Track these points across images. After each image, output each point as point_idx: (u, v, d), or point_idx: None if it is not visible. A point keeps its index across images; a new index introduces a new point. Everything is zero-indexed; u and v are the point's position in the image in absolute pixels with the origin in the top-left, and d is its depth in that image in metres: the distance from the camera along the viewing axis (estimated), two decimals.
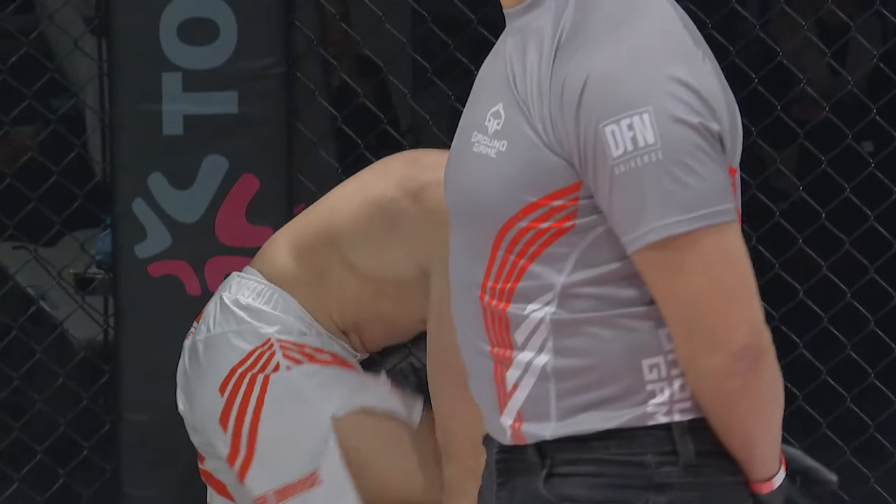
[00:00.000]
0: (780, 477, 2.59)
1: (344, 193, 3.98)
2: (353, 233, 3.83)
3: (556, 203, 2.47)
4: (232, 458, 3.81)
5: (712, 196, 2.46)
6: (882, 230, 4.53)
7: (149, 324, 4.30)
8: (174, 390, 3.99)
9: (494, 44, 2.74)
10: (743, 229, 2.55)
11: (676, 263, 2.47)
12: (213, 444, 3.81)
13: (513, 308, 2.49)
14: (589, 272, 2.49)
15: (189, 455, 4.07)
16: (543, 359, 2.51)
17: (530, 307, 2.50)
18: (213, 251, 4.25)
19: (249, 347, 3.80)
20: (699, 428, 2.51)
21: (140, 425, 4.38)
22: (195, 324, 3.89)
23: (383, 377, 3.93)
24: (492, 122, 2.53)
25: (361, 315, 3.88)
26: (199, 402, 3.85)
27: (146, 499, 4.45)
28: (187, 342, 3.89)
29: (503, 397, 2.51)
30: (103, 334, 4.87)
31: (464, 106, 2.74)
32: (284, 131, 4.43)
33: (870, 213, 4.46)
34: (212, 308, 3.88)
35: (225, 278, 3.93)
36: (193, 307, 4.04)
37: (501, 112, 2.53)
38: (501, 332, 2.50)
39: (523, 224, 2.49)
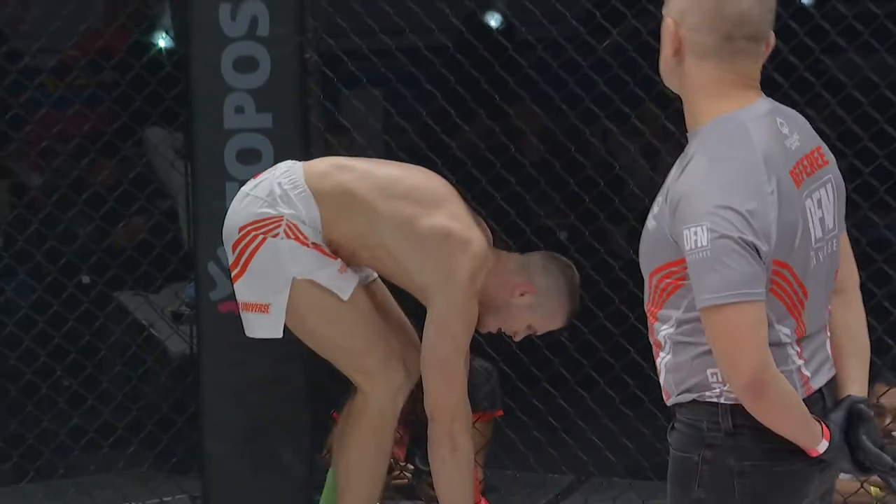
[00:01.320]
0: (823, 446, 2.83)
1: (410, 179, 4.14)
2: (394, 219, 4.06)
3: (674, 269, 2.82)
4: (232, 269, 4.14)
5: (737, 282, 2.75)
6: None
7: (218, 341, 4.88)
8: (236, 378, 4.61)
9: None
10: None
11: (709, 321, 2.77)
12: (227, 251, 4.15)
13: (655, 325, 2.88)
14: (690, 314, 2.82)
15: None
16: (667, 358, 2.89)
17: (662, 327, 2.88)
18: None
19: (268, 213, 4.06)
20: (739, 411, 2.81)
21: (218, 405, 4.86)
22: (253, 179, 4.15)
23: (338, 262, 4.08)
24: (656, 205, 2.87)
25: (356, 253, 4.12)
26: (229, 224, 4.14)
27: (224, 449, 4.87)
28: (243, 189, 4.14)
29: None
30: (189, 349, 5.45)
31: None
32: None
33: None
34: (265, 175, 4.13)
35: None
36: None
37: (660, 200, 2.85)
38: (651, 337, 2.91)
39: (657, 277, 2.85)
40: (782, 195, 2.78)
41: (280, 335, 4.09)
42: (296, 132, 4.80)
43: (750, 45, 2.83)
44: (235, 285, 4.15)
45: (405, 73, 5.03)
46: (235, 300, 4.17)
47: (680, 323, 2.83)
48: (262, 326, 4.12)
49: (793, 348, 2.85)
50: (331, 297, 4.10)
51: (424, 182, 4.12)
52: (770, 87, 2.99)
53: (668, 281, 2.81)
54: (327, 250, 4.08)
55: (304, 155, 4.62)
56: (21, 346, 5.39)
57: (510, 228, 5.07)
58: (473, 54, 5.09)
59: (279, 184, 4.10)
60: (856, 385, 2.98)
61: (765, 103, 2.87)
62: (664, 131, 5.13)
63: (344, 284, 4.10)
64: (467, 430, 4.06)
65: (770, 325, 2.79)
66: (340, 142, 4.96)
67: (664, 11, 2.87)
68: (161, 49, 6.07)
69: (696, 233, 2.76)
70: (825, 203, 2.88)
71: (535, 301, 4.14)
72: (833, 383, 2.95)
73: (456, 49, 5.14)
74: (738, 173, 2.78)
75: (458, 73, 5.04)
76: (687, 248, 2.75)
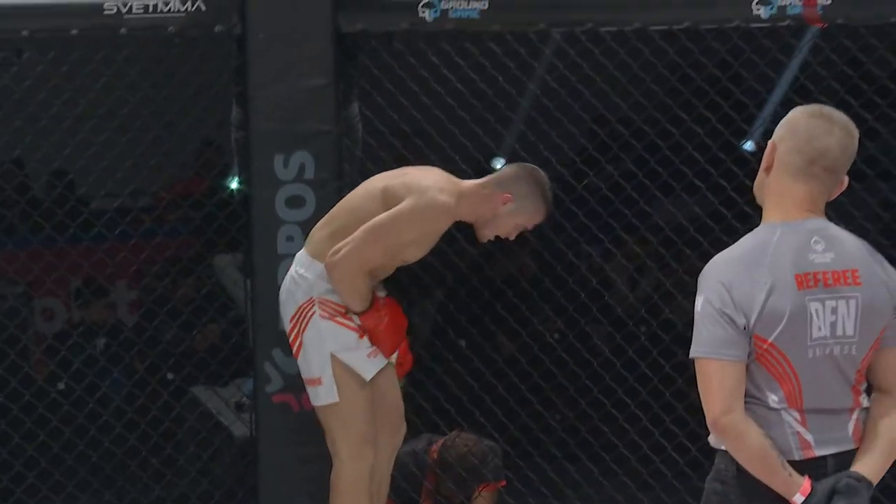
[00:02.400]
0: (799, 499, 2.96)
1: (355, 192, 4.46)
2: (368, 202, 4.33)
3: None
4: (294, 355, 4.40)
5: (711, 343, 2.99)
6: None
7: (273, 426, 4.90)
8: (289, 456, 4.72)
9: None
10: None
11: (696, 370, 3.04)
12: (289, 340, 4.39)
13: None
14: None
15: None
16: None
17: None
18: (303, 387, 4.68)
19: (302, 301, 4.34)
20: None
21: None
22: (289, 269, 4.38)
23: (365, 343, 4.33)
24: None
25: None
26: (282, 317, 4.42)
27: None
28: (284, 283, 4.38)
29: None
30: (250, 433, 5.30)
31: None
32: None
33: None
34: (290, 272, 4.39)
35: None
36: (296, 418, 4.77)
37: None
38: None
39: None
40: (776, 286, 2.98)
41: (337, 399, 4.31)
42: None
43: (824, 175, 3.08)
44: (299, 365, 4.44)
45: None
46: (287, 393, 4.52)
47: None
48: (320, 396, 4.39)
49: (788, 414, 3.04)
50: (356, 376, 4.37)
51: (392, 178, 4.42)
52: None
53: None
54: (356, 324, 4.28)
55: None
56: (113, 431, 5.49)
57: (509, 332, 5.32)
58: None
59: (295, 272, 4.38)
60: (864, 466, 3.09)
61: (814, 223, 3.07)
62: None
63: (370, 367, 4.36)
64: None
65: (758, 387, 3.02)
66: None
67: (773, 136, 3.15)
68: (231, 190, 6.27)
69: (699, 300, 3.04)
70: (842, 313, 3.03)
71: (517, 205, 4.38)
72: (846, 457, 3.09)
73: None
74: (741, 259, 3.01)
75: None
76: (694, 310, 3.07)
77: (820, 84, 5.17)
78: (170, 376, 5.93)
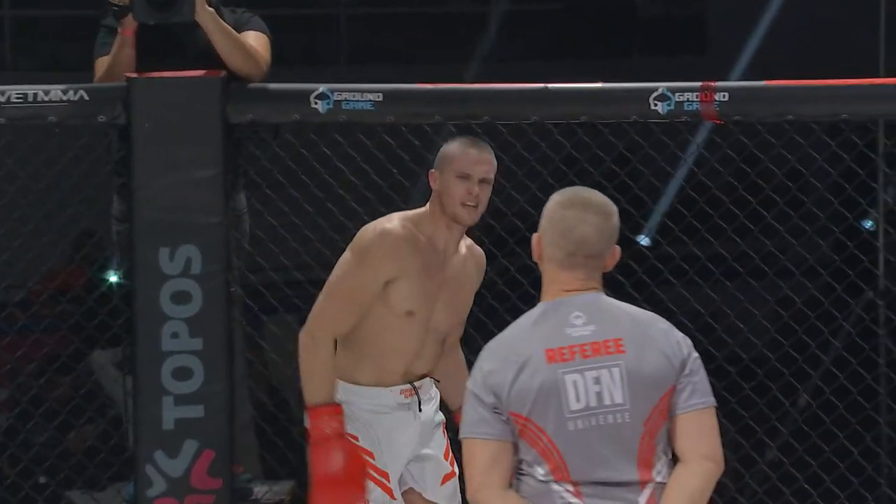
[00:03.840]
0: None
1: None
2: None
3: None
4: None
5: (469, 422, 3.22)
6: None
7: None
8: None
9: None
10: None
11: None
12: None
13: None
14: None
15: None
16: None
17: None
18: (188, 492, 4.78)
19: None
20: None
21: None
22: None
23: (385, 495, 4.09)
24: None
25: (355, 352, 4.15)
26: None
27: None
28: None
29: None
30: None
31: None
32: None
33: None
34: None
35: None
36: None
37: None
38: None
39: None
40: (527, 364, 3.17)
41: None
42: (222, 352, 4.85)
43: (587, 261, 3.26)
44: None
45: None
46: (170, 497, 4.42)
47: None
48: None
49: (559, 485, 3.16)
50: None
51: None
52: None
53: None
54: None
55: (229, 373, 4.83)
56: None
57: None
58: None
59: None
60: None
61: (583, 298, 3.24)
62: None
63: None
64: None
65: (527, 461, 3.17)
66: (258, 359, 5.31)
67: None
68: (111, 284, 6.20)
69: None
70: (606, 381, 3.18)
71: (440, 171, 4.19)
72: None
73: None
74: (501, 340, 3.26)
75: None
76: None
77: (717, 180, 5.27)
78: (43, 480, 5.83)
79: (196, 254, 4.82)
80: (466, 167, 4.16)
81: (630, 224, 4.82)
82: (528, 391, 3.18)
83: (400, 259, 4.16)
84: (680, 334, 3.30)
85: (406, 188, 5.21)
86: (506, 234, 5.37)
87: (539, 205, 3.44)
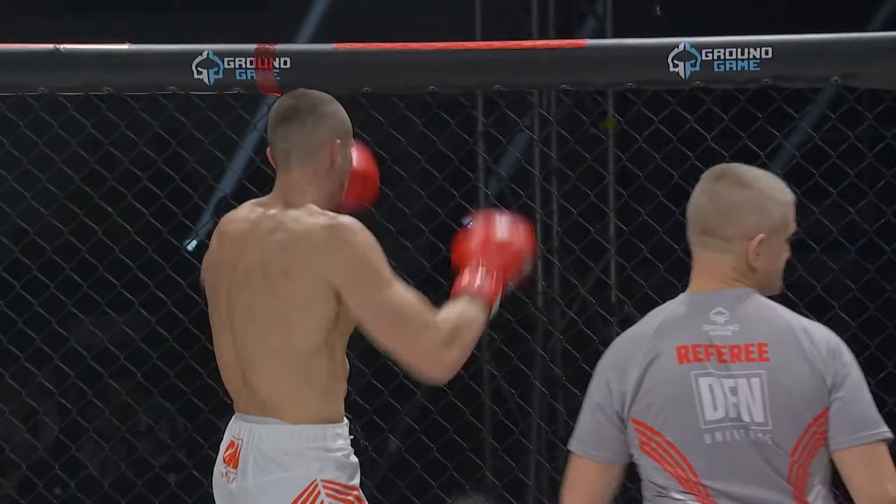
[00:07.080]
0: None
1: None
2: None
3: None
4: None
5: (580, 431, 3.08)
6: None
7: None
8: None
9: None
10: None
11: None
12: None
13: None
14: None
15: None
16: None
17: None
18: None
19: (295, 492, 3.42)
20: None
21: None
22: (226, 466, 3.46)
23: None
24: None
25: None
26: None
27: None
28: (228, 486, 3.44)
29: None
30: None
31: None
32: None
33: None
34: (248, 456, 3.45)
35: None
36: None
37: None
38: None
39: None
40: (653, 362, 2.99)
41: None
42: None
43: (706, 239, 3.07)
44: None
45: None
46: None
47: None
48: None
49: (681, 493, 2.96)
50: None
51: None
52: None
53: None
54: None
55: None
56: None
57: None
58: None
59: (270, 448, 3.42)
60: None
61: (719, 296, 3.02)
62: None
63: None
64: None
65: (661, 487, 2.97)
66: None
67: None
68: None
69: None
70: (743, 393, 2.96)
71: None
72: None
73: None
74: (626, 337, 3.08)
75: None
76: None
77: None
78: None
79: None
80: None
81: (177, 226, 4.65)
82: (654, 393, 3.02)
83: None
84: (836, 339, 3.08)
85: None
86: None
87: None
